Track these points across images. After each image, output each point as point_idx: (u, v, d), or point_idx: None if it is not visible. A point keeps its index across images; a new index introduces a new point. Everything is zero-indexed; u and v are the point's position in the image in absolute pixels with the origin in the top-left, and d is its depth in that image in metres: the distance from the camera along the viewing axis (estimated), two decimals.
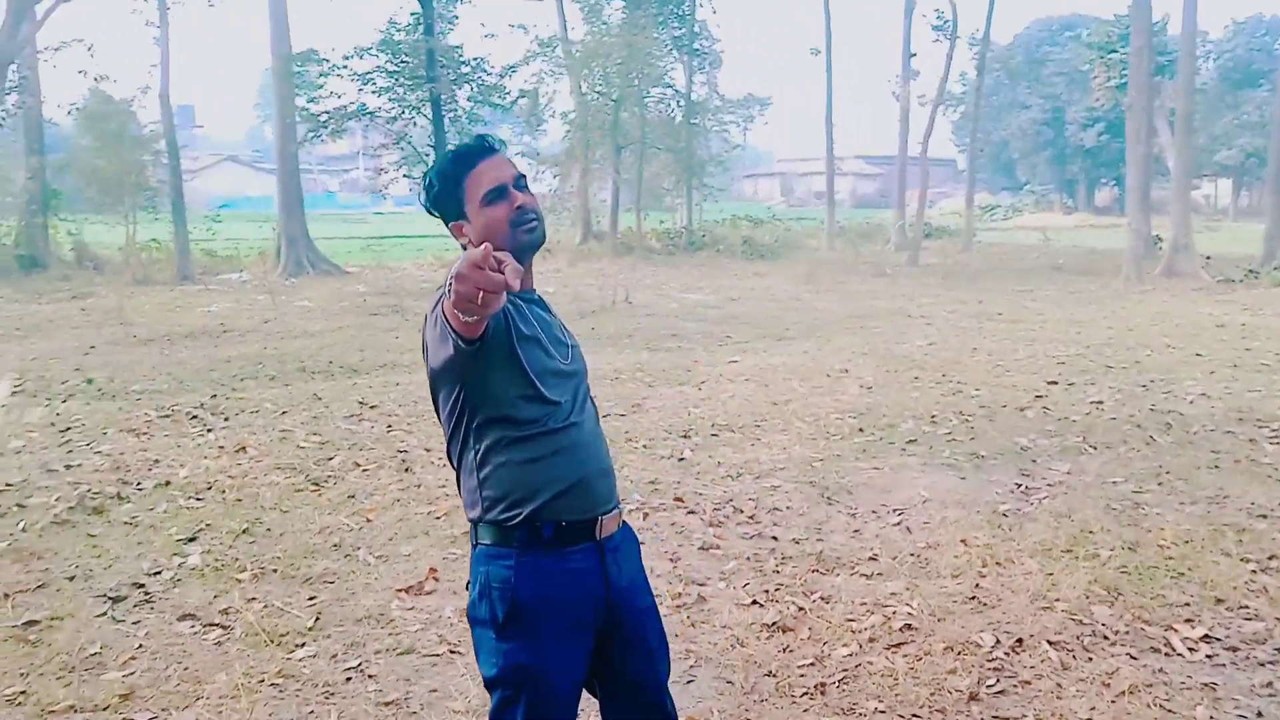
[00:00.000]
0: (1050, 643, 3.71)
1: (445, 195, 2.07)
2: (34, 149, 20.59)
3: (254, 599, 4.27)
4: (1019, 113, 55.00)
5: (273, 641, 3.83)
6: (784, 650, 3.79)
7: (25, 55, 17.49)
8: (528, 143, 32.42)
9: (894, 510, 5.52)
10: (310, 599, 4.28)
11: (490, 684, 2.05)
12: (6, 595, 4.23)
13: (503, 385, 1.97)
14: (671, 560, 4.75)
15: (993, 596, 4.17)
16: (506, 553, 2.01)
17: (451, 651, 3.79)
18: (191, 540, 4.96)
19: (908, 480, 6.05)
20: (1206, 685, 3.40)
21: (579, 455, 2.06)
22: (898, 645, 3.76)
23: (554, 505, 2.01)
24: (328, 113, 18.11)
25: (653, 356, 10.77)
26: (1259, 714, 3.24)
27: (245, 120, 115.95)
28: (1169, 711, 3.24)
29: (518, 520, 2.00)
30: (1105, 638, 3.74)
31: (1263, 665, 3.56)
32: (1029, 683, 3.45)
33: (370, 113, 18.69)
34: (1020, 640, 3.74)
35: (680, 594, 4.34)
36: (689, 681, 3.56)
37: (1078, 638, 3.75)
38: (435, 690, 3.50)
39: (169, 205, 21.04)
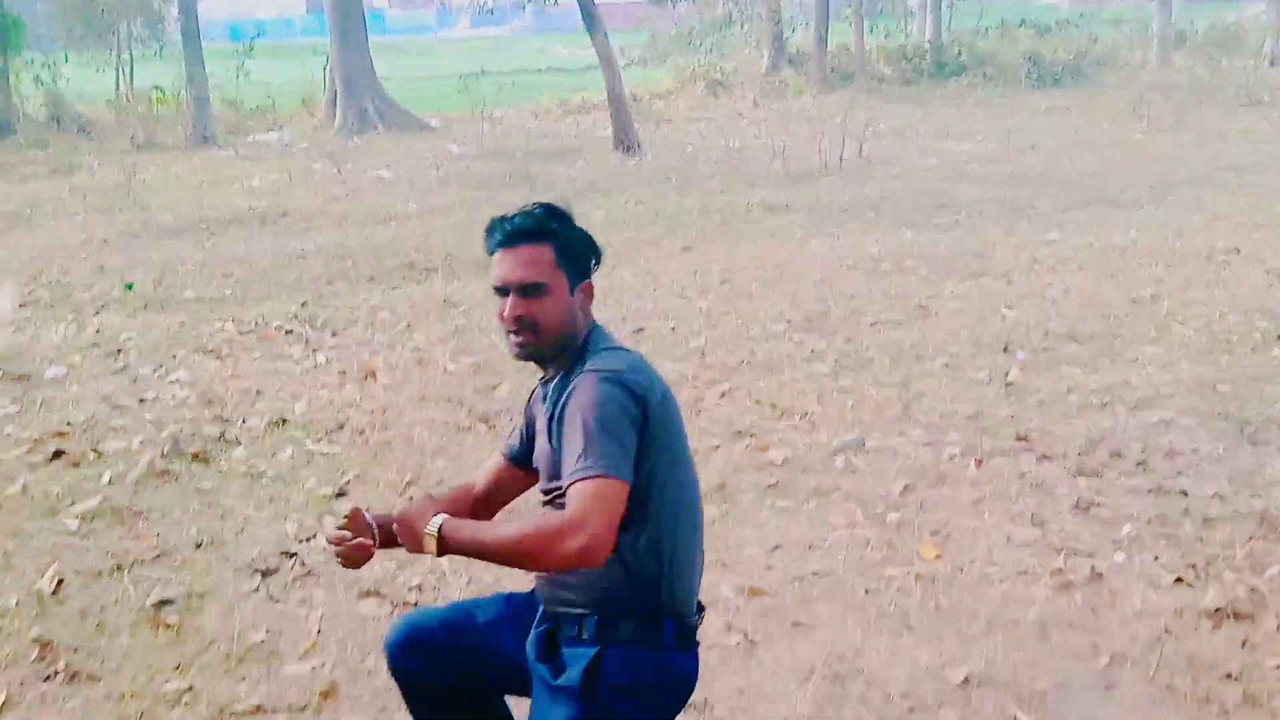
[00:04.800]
0: None
1: None
2: None
3: (458, 570, 4.65)
4: None
5: None
6: (1244, 646, 3.92)
7: None
8: None
9: None
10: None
11: None
12: (120, 567, 4.72)
13: None
14: (1035, 525, 4.92)
15: None
16: None
17: (749, 640, 4.07)
18: (340, 495, 5.40)
19: None
20: None
21: None
22: None
23: None
24: None
25: (920, 238, 10.86)
26: None
27: None
28: None
29: None
30: None
31: None
32: None
33: None
34: None
35: (1061, 570, 4.51)
36: (1108, 686, 3.75)
37: None
38: (741, 690, 3.79)
39: (177, 37, 21.82)
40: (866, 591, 4.45)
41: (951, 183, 14.12)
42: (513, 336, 2.72)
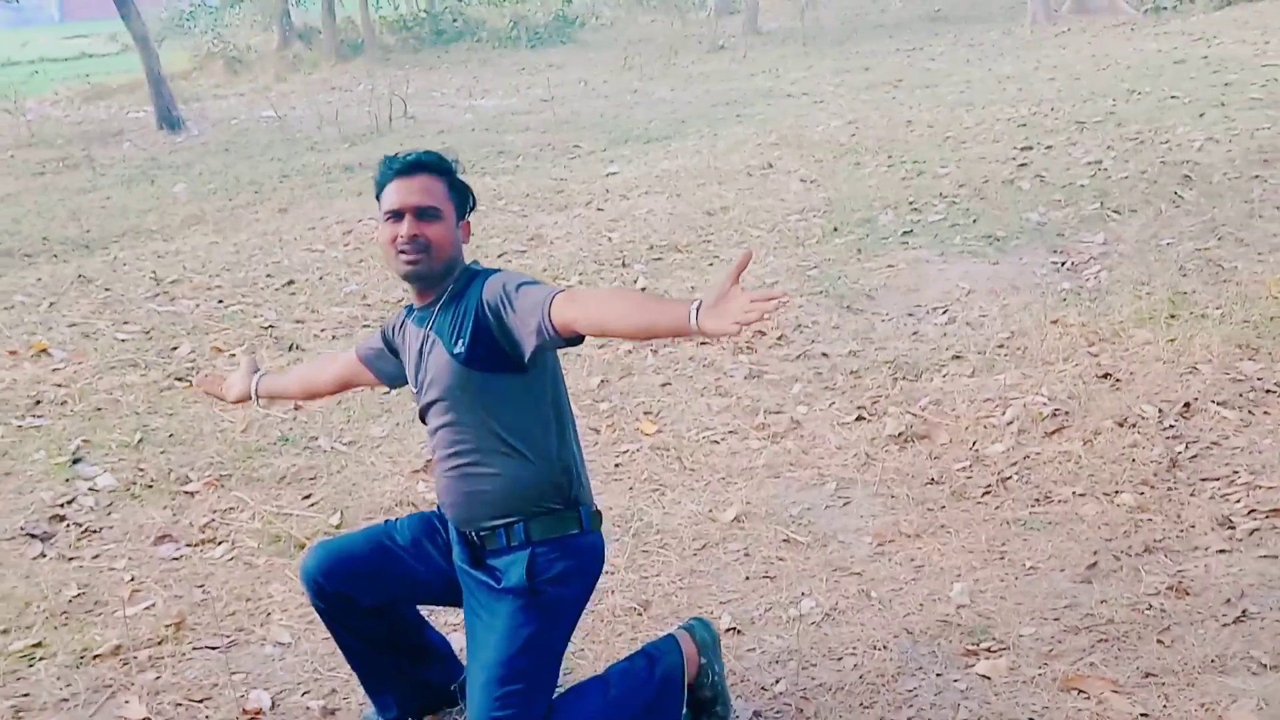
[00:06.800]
0: (1217, 403, 4.60)
1: (377, 195, 2.93)
2: None
3: (232, 508, 4.58)
4: None
5: (307, 544, 4.18)
6: (931, 458, 4.51)
7: None
8: None
9: (935, 309, 6.34)
10: (307, 497, 4.64)
11: None
12: None
13: None
14: (721, 394, 5.37)
15: (1124, 371, 5.04)
16: None
17: None
18: (76, 461, 5.13)
19: (933, 274, 6.88)
20: None
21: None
22: (1057, 431, 4.56)
23: None
24: None
25: (498, 180, 11.12)
26: None
27: None
28: None
29: None
30: (1270, 391, 4.68)
31: None
32: (1218, 443, 4.34)
33: None
34: (1187, 405, 4.61)
35: (764, 425, 4.98)
36: (845, 504, 4.24)
37: (1241, 395, 4.67)
38: None
39: None
40: (616, 465, 4.75)
41: (497, 133, 14.42)
42: (403, 256, 2.82)
